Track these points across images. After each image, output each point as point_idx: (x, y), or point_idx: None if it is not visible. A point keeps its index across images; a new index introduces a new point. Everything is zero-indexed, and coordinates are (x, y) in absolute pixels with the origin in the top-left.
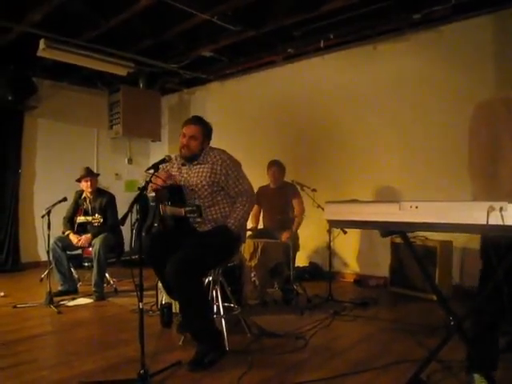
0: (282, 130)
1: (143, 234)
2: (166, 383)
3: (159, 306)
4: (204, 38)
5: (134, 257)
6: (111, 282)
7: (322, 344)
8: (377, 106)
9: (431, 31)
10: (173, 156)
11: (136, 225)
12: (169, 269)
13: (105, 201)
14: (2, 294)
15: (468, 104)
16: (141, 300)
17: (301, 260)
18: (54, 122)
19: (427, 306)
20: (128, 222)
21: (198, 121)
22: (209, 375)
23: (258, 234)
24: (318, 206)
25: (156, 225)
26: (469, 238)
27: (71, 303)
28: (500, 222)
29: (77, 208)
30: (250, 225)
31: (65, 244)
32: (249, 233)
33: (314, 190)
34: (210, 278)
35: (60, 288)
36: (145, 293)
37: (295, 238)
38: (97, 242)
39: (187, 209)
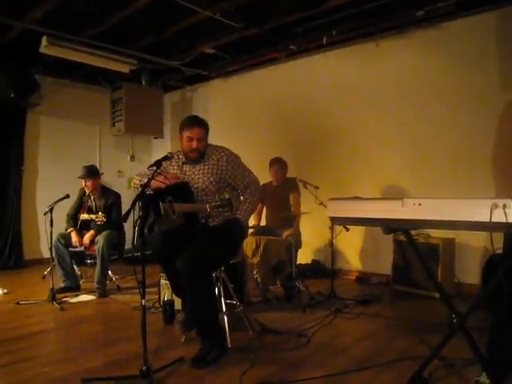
0: (285, 127)
1: (146, 231)
2: (168, 380)
3: (161, 303)
4: (206, 35)
5: (136, 254)
6: (114, 278)
7: (324, 341)
8: (380, 103)
9: (434, 28)
10: (174, 153)
11: (138, 222)
12: (180, 265)
13: (110, 200)
14: (5, 290)
15: (472, 101)
16: (143, 297)
17: (303, 257)
18: (57, 119)
19: (430, 304)
20: (130, 220)
21: (201, 122)
22: (211, 372)
23: (260, 231)
24: (321, 204)
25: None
26: (472, 235)
27: (74, 300)
28: (503, 220)
29: (80, 205)
30: (252, 222)
31: (67, 241)
32: (251, 230)
33: (316, 188)
34: (213, 275)
35: (63, 285)
36: (147, 290)
37: (297, 235)
38: (100, 239)
39: (213, 204)
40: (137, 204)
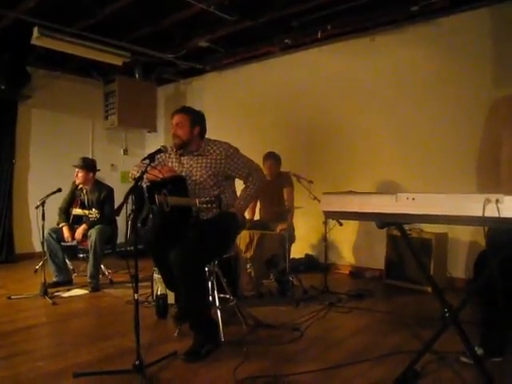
0: (279, 121)
1: (139, 225)
2: (161, 374)
3: (154, 297)
4: (201, 28)
5: (129, 248)
6: (106, 273)
7: (317, 335)
8: (375, 98)
9: (429, 23)
10: (168, 146)
11: (131, 216)
12: (173, 259)
13: (103, 194)
14: None
15: (466, 96)
16: (136, 291)
17: (297, 252)
18: (49, 112)
19: (422, 298)
20: (123, 213)
21: (184, 109)
22: (205, 366)
23: (253, 225)
24: (315, 198)
25: (151, 216)
26: (464, 230)
27: (66, 294)
28: (496, 214)
29: (73, 199)
30: (246, 216)
31: (59, 235)
32: None
33: (310, 182)
34: (206, 269)
35: (55, 279)
36: (140, 284)
37: (291, 230)
38: (93, 233)
39: (202, 199)
40: (130, 197)
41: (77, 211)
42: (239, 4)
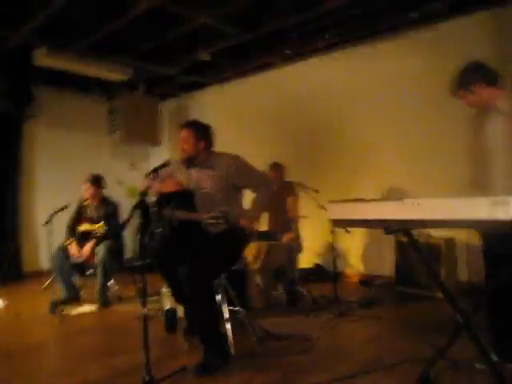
0: (283, 132)
1: (146, 239)
2: None
3: (163, 312)
4: (202, 42)
5: (137, 263)
6: (115, 288)
7: (328, 345)
8: (378, 105)
9: (428, 29)
10: (172, 161)
11: (138, 230)
12: (183, 273)
13: (109, 210)
14: (6, 302)
15: None
16: (144, 306)
17: (305, 261)
18: (54, 130)
19: (433, 305)
20: (130, 228)
21: (189, 124)
22: (215, 380)
23: (260, 236)
24: (321, 207)
25: (159, 230)
26: (470, 234)
27: (75, 311)
28: (505, 217)
29: (80, 216)
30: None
31: (67, 252)
32: None
33: (316, 191)
34: (215, 282)
35: (63, 296)
36: (149, 298)
37: (298, 239)
38: (101, 249)
39: (209, 215)
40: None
41: (83, 227)
42: (239, 16)
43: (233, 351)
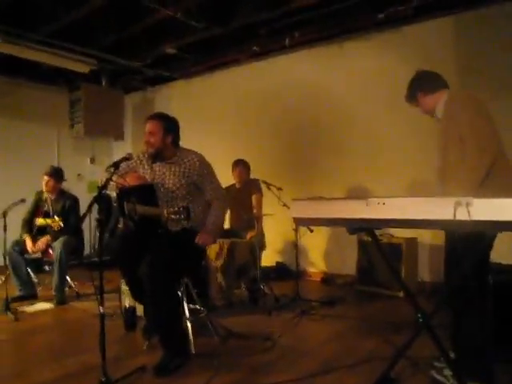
0: (248, 129)
1: (107, 235)
2: None
3: (122, 310)
4: (168, 35)
5: (95, 259)
6: (73, 285)
7: (290, 344)
8: (345, 105)
9: (395, 31)
10: (134, 155)
11: (97, 226)
12: (144, 272)
13: (68, 204)
14: None
15: None
16: (101, 304)
17: (267, 260)
18: (12, 120)
19: (394, 304)
20: (88, 224)
21: (157, 116)
22: (174, 380)
23: (223, 233)
24: (284, 205)
25: (120, 226)
26: (434, 235)
27: (30, 309)
28: (467, 218)
29: (36, 209)
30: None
31: (22, 247)
32: None
33: (279, 189)
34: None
35: (18, 293)
36: (107, 296)
37: (261, 237)
38: (58, 244)
39: (171, 209)
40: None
41: (40, 221)
42: (207, 11)
43: (193, 350)
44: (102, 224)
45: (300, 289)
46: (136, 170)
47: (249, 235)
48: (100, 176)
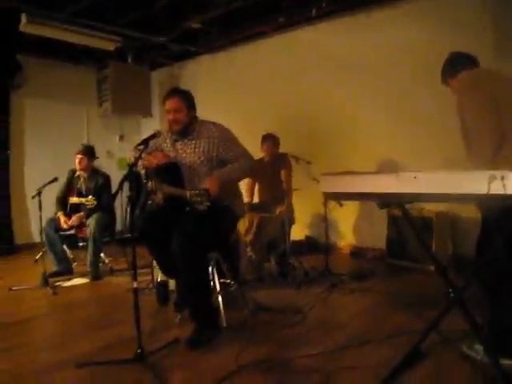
0: (276, 103)
1: (137, 211)
2: (163, 362)
3: (155, 284)
4: (192, 10)
5: (127, 235)
6: (106, 261)
7: (320, 318)
8: (373, 75)
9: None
10: (164, 131)
11: (128, 202)
12: (176, 247)
13: (100, 181)
14: None
15: None
16: (135, 279)
17: (297, 233)
18: (42, 100)
19: (424, 278)
20: (121, 200)
21: (176, 92)
22: (207, 353)
23: (252, 208)
24: (314, 179)
25: (150, 202)
26: (466, 208)
27: (67, 284)
28: (501, 191)
29: (70, 187)
30: (245, 199)
31: (57, 225)
32: None
33: (308, 163)
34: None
35: (55, 269)
36: (140, 271)
37: (290, 212)
38: (92, 221)
39: (193, 192)
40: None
41: (74, 200)
42: None
43: (224, 323)
44: (132, 201)
45: (329, 262)
46: (161, 149)
47: (278, 210)
48: (129, 153)
